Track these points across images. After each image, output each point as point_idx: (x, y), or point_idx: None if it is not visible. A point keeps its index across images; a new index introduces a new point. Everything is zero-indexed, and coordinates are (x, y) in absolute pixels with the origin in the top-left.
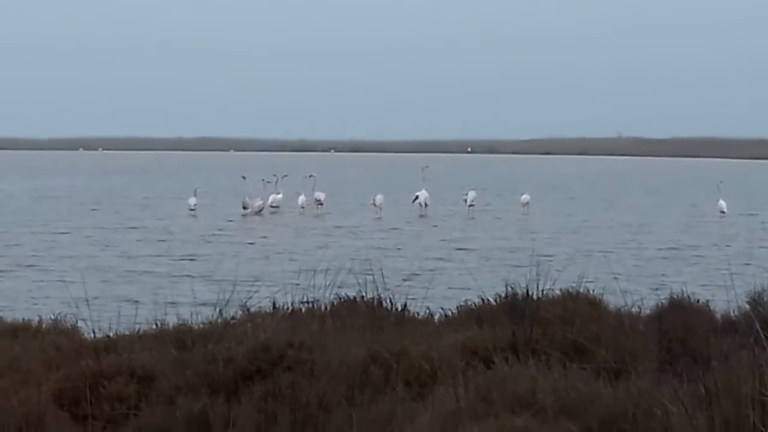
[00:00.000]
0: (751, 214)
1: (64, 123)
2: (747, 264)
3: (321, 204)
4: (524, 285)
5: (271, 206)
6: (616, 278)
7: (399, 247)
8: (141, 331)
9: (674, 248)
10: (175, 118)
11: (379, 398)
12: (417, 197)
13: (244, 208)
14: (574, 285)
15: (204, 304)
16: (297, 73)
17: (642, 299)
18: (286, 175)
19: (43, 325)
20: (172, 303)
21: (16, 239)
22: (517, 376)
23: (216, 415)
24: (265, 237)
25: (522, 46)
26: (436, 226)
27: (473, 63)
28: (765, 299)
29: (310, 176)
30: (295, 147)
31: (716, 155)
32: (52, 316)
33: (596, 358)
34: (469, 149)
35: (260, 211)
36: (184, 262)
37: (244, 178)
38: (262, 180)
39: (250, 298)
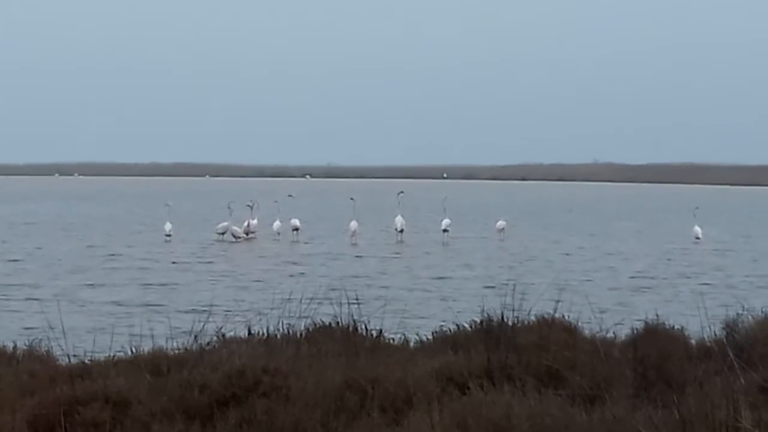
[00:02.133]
0: (726, 241)
1: (39, 149)
2: (721, 290)
3: (297, 230)
4: (499, 311)
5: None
6: (591, 304)
7: (374, 273)
8: (116, 357)
9: (649, 274)
10: (151, 144)
11: (354, 424)
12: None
13: (219, 234)
14: (549, 311)
15: (179, 330)
16: (272, 98)
17: (617, 325)
18: (249, 204)
19: (18, 351)
20: (147, 329)
21: None
22: (493, 402)
23: None
24: (240, 263)
25: (498, 71)
26: (410, 252)
27: (450, 88)
28: (739, 325)
29: (275, 202)
30: (270, 172)
31: (692, 181)
32: (27, 343)
33: (571, 384)
34: (445, 175)
35: (248, 236)
36: (159, 288)
37: (229, 207)
38: (248, 204)
39: (225, 324)
